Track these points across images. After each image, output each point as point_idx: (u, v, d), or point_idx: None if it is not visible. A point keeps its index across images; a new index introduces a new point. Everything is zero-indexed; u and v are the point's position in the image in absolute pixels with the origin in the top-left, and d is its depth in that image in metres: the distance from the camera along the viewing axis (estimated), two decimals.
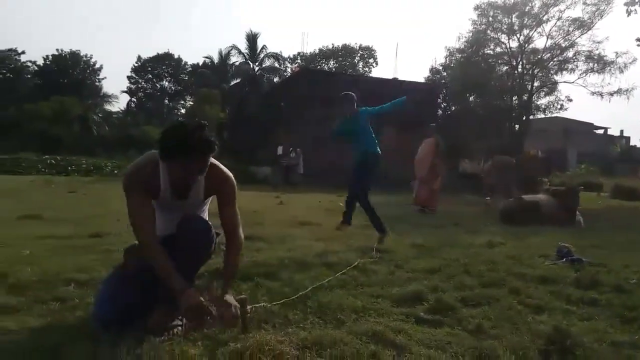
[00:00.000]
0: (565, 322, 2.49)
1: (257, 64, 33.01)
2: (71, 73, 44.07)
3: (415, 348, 2.06)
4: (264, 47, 32.97)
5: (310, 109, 20.58)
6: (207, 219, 2.43)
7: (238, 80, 33.01)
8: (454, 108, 29.46)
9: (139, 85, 48.67)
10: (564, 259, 4.11)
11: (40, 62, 44.17)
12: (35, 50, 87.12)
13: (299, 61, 42.46)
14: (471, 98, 27.48)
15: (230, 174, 2.34)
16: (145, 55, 49.17)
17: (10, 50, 43.15)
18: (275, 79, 33.58)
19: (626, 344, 2.20)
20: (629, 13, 17.61)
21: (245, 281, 2.96)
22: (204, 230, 2.28)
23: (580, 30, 24.07)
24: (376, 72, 44.07)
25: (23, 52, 44.01)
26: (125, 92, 47.14)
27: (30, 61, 44.55)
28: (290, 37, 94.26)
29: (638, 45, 18.22)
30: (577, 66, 24.66)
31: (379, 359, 1.91)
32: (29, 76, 44.47)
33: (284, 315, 2.39)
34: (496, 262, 4.00)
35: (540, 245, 5.01)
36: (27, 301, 2.42)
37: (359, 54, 44.62)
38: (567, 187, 8.32)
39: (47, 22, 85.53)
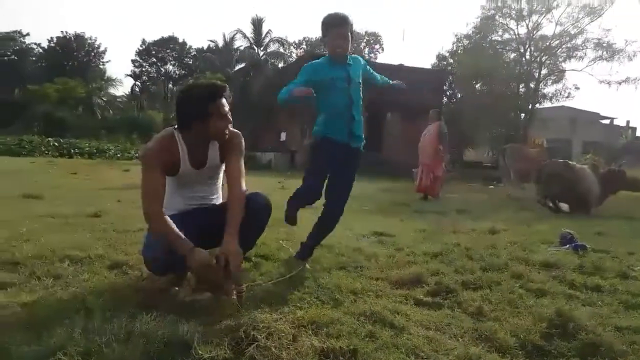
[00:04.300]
0: (568, 306, 2.45)
1: (261, 48, 32.71)
2: (76, 56, 43.81)
3: (414, 329, 2.02)
4: (269, 31, 32.65)
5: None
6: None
7: (242, 65, 32.72)
8: (460, 95, 29.12)
9: (143, 69, 48.44)
10: (567, 246, 4.06)
11: (45, 44, 44.04)
12: (40, 32, 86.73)
13: (304, 46, 42.02)
14: (477, 85, 27.16)
15: (239, 132, 2.48)
16: (150, 38, 48.89)
17: (14, 31, 42.95)
18: (280, 64, 33.23)
19: (630, 329, 2.15)
20: None
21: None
22: (266, 204, 2.50)
23: (590, 17, 23.68)
24: (382, 59, 43.54)
25: (28, 34, 43.91)
26: (130, 75, 47.00)
27: (35, 43, 44.48)
28: (296, 23, 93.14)
29: None
30: (585, 54, 24.32)
31: (376, 338, 1.86)
32: (33, 58, 44.21)
33: (281, 295, 2.34)
34: (498, 247, 3.96)
35: (544, 232, 4.96)
36: (20, 277, 2.39)
37: (364, 40, 44.08)
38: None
39: (52, 4, 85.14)
